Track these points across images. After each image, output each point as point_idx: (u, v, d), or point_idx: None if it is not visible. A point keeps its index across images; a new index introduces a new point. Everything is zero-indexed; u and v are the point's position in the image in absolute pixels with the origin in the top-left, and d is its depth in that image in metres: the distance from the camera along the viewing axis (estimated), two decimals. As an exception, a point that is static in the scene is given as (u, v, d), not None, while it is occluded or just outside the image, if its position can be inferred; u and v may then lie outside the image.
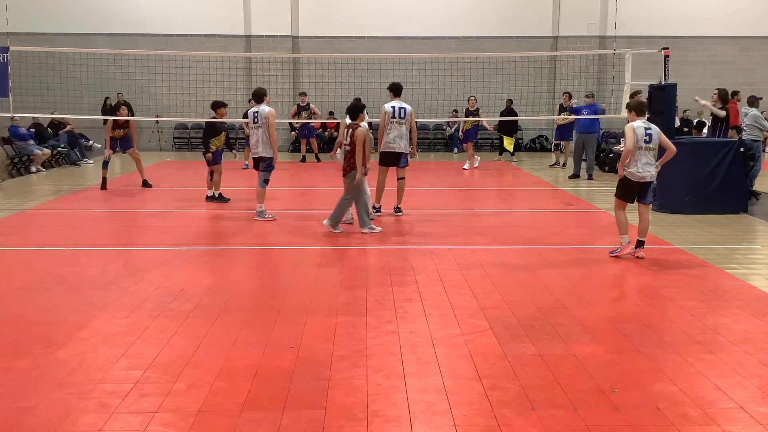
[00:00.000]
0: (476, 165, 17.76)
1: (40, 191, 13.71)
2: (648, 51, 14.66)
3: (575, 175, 15.77)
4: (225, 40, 22.23)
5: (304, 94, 19.32)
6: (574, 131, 17.22)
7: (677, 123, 17.22)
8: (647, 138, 7.90)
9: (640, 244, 7.96)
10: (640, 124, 7.99)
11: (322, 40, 22.35)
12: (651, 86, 11.83)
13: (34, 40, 19.83)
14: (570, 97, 17.69)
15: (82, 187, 14.17)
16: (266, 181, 10.39)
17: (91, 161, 18.68)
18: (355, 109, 9.40)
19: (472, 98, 17.70)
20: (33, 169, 16.51)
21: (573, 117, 16.86)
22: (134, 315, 5.90)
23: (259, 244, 8.95)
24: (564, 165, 18.03)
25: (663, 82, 12.17)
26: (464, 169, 17.52)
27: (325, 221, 9.46)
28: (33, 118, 17.87)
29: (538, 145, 22.88)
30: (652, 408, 4.18)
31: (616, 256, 7.95)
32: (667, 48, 13.04)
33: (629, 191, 7.99)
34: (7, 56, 13.08)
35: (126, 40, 21.54)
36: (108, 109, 21.30)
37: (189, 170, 17.71)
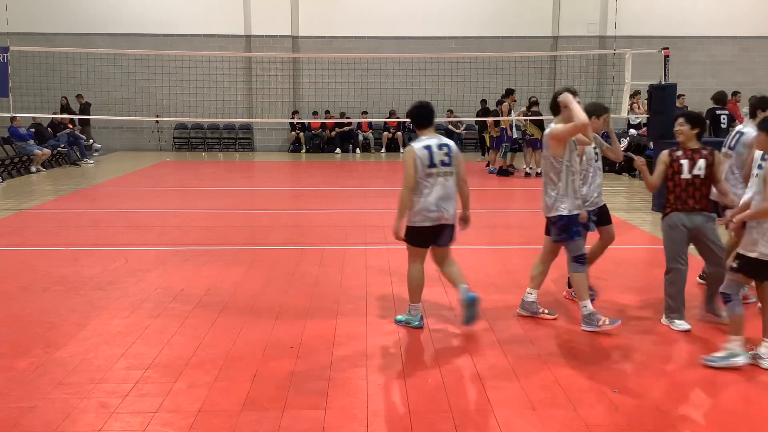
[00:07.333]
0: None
1: (40, 191, 13.70)
2: (648, 51, 14.66)
3: None
4: (225, 40, 22.22)
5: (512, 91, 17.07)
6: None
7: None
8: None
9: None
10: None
11: (322, 40, 22.33)
12: (651, 86, 11.83)
13: (34, 40, 19.82)
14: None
15: (82, 187, 14.17)
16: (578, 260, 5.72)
17: (91, 161, 18.68)
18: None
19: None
20: (33, 169, 16.50)
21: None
22: (134, 315, 5.91)
23: (259, 244, 8.95)
24: None
25: (663, 82, 12.17)
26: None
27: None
28: (33, 118, 17.85)
29: (538, 146, 22.89)
30: (652, 408, 4.18)
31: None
32: (667, 48, 13.04)
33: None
34: (7, 56, 13.08)
35: (126, 40, 21.53)
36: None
37: (189, 170, 17.72)
